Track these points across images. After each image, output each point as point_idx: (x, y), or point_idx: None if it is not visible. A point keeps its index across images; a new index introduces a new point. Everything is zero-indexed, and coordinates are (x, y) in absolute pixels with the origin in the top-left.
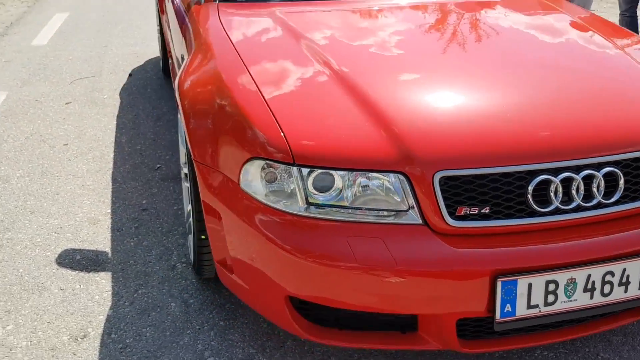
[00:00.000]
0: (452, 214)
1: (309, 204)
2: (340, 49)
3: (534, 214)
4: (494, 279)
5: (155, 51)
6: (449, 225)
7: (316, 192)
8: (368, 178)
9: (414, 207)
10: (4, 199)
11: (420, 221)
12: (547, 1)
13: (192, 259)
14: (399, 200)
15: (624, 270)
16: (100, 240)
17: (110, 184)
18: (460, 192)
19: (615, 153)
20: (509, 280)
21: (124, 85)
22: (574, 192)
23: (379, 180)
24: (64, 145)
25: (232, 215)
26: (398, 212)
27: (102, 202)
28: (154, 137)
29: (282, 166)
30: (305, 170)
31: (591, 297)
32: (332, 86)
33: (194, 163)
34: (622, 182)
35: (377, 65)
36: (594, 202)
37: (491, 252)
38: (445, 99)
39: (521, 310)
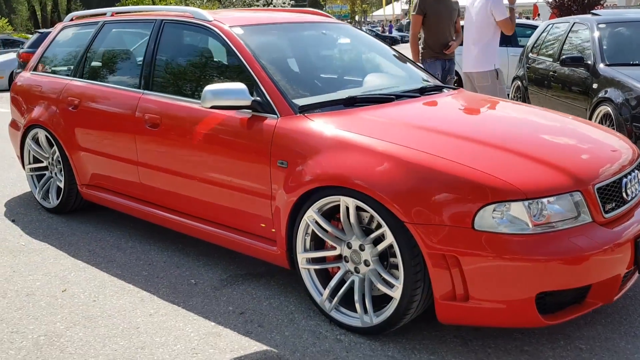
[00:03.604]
0: (604, 210)
1: (534, 225)
2: (454, 125)
3: (625, 202)
4: (635, 241)
5: None
6: (605, 218)
7: (535, 215)
8: (557, 199)
9: (585, 212)
10: None
11: (589, 220)
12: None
13: None
14: (577, 209)
15: None
16: None
17: None
18: (603, 195)
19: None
20: None
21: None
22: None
23: (565, 199)
24: None
25: (472, 251)
26: (576, 218)
27: None
28: None
29: (512, 203)
30: (528, 202)
31: None
32: (484, 146)
33: (407, 226)
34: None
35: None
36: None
37: (627, 226)
38: (574, 149)
39: None
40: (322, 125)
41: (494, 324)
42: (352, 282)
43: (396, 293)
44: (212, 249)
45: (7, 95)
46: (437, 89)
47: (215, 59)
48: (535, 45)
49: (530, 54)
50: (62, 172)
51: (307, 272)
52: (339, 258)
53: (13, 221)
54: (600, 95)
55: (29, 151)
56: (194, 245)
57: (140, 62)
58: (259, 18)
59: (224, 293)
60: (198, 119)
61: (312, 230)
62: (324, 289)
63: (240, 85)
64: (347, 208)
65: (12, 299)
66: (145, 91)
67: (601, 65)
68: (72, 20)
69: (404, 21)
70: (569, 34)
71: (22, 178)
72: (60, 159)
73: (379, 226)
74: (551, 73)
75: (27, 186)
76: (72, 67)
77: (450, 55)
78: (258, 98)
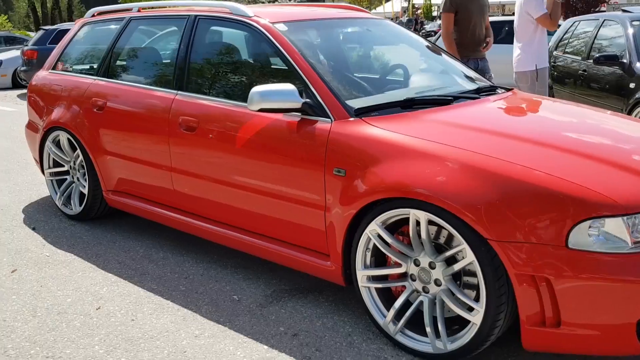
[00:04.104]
0: None
1: (634, 243)
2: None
3: None
4: None
5: None
6: None
7: (633, 231)
8: None
9: None
10: None
11: None
12: None
13: None
14: None
15: None
16: None
17: None
18: None
19: None
20: None
21: None
22: None
23: None
24: None
25: (566, 273)
26: None
27: None
28: None
29: (609, 219)
30: (627, 217)
31: None
32: (569, 154)
33: (491, 244)
34: None
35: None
36: None
37: None
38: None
39: None
40: (386, 131)
41: (586, 351)
42: (420, 303)
43: (476, 317)
44: (249, 261)
45: (11, 93)
46: (492, 90)
47: (257, 58)
48: (560, 43)
49: (554, 52)
50: (86, 177)
51: (368, 291)
52: (403, 276)
53: (34, 229)
54: (638, 95)
55: (49, 154)
56: (229, 257)
57: (173, 61)
58: (300, 13)
59: (271, 311)
60: (241, 122)
61: (374, 246)
62: (386, 309)
63: (289, 86)
64: (417, 222)
65: (43, 318)
66: (179, 92)
67: (638, 64)
68: (93, 16)
69: (404, 19)
70: (599, 32)
71: (38, 181)
72: (83, 163)
73: (449, 240)
74: (580, 72)
75: (44, 190)
76: (96, 65)
77: (483, 54)
78: (308, 100)
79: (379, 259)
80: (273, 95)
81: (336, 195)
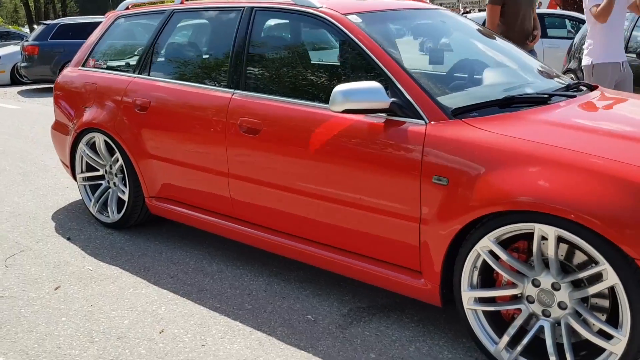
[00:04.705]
0: None
1: None
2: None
3: None
4: None
5: None
6: None
7: None
8: None
9: None
10: None
11: None
12: None
13: None
14: None
15: None
16: None
17: None
18: None
19: None
20: None
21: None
22: None
23: None
24: None
25: None
26: None
27: None
28: None
29: None
30: None
31: None
32: None
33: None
34: None
35: None
36: None
37: None
38: None
39: None
40: (494, 133)
41: None
42: (539, 328)
43: (617, 346)
44: (313, 275)
45: (11, 90)
46: (577, 87)
47: (328, 54)
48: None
49: (584, 47)
50: (126, 182)
51: (474, 314)
52: (514, 298)
53: (69, 239)
54: None
55: (82, 158)
56: (290, 269)
57: (227, 58)
58: (371, 5)
59: (354, 334)
60: (314, 124)
61: (482, 264)
62: (496, 334)
63: (375, 85)
64: (540, 238)
65: (103, 344)
66: (237, 91)
67: None
68: (127, 8)
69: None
70: (636, 25)
71: (62, 185)
72: (123, 167)
73: (569, 256)
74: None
75: (70, 195)
76: (134, 62)
77: (531, 47)
78: (396, 99)
79: (485, 279)
80: (358, 95)
81: (435, 207)
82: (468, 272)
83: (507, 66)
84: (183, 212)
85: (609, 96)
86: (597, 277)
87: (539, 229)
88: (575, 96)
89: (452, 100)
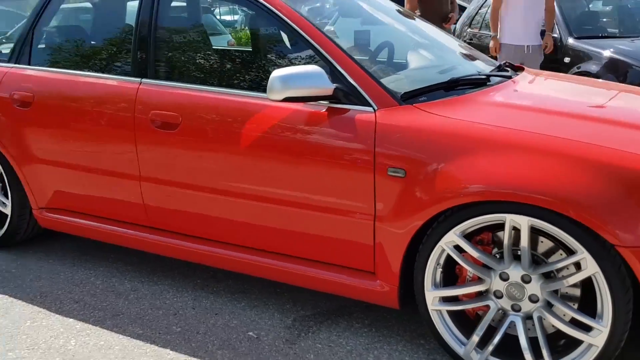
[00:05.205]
0: None
1: None
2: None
3: None
4: None
5: None
6: None
7: None
8: None
9: None
10: None
11: None
12: None
13: None
14: None
15: None
16: None
17: None
18: None
19: None
20: None
21: None
22: None
23: None
24: None
25: None
26: None
27: None
28: None
29: None
30: None
31: None
32: None
33: (619, 251)
34: None
35: None
36: None
37: None
38: None
39: None
40: (452, 119)
41: None
42: (511, 324)
43: (598, 338)
44: (245, 284)
45: None
46: (506, 68)
47: (257, 35)
48: (474, 20)
49: (468, 29)
50: (6, 192)
51: (439, 315)
52: (479, 294)
53: None
54: (574, 70)
55: None
56: (219, 280)
57: (130, 41)
58: None
59: (305, 348)
60: (246, 115)
61: (445, 261)
62: (463, 335)
63: (316, 69)
64: (511, 229)
65: None
66: (145, 80)
67: (570, 40)
68: None
69: None
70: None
71: None
72: (3, 174)
73: (551, 250)
74: None
75: None
76: (9, 49)
77: (448, 29)
78: (339, 85)
79: (447, 277)
80: (298, 81)
81: (391, 202)
82: (431, 271)
83: (435, 48)
84: (83, 223)
85: (542, 75)
86: (571, 267)
87: (510, 219)
88: (511, 77)
89: (396, 84)
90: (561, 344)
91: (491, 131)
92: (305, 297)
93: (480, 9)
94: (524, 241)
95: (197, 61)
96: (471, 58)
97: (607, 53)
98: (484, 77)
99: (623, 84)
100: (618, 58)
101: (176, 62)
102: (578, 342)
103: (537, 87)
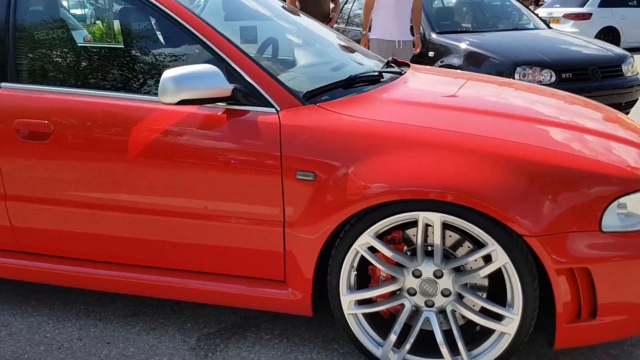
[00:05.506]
0: None
1: None
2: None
3: None
4: None
5: None
6: None
7: None
8: None
9: None
10: None
11: None
12: None
13: None
14: None
15: None
16: None
17: None
18: None
19: None
20: None
21: None
22: None
23: None
24: None
25: (603, 260)
26: None
27: None
28: None
29: (632, 195)
30: None
31: None
32: (563, 129)
33: (527, 240)
34: None
35: None
36: None
37: None
38: None
39: None
40: (360, 118)
41: (614, 338)
42: (425, 321)
43: (510, 326)
44: (138, 305)
45: None
46: (394, 64)
47: (140, 32)
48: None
49: (336, 25)
50: None
51: (356, 319)
52: (393, 294)
53: None
54: (438, 64)
55: None
56: (105, 304)
57: None
58: None
59: None
60: (132, 120)
61: (359, 263)
62: (379, 336)
63: (211, 68)
64: (424, 227)
65: None
66: (4, 84)
67: (433, 35)
68: None
69: None
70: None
71: None
72: None
73: (458, 243)
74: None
75: None
76: None
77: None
78: (238, 85)
79: (359, 279)
80: (193, 81)
81: (301, 206)
82: (346, 274)
83: (322, 44)
84: None
85: (428, 71)
86: (480, 259)
87: (423, 217)
88: (402, 73)
89: (293, 83)
90: (475, 335)
91: (399, 129)
92: (207, 312)
93: (345, 4)
94: (437, 238)
95: (69, 61)
96: (358, 54)
97: (464, 46)
98: (378, 74)
99: (503, 78)
100: (475, 51)
101: (44, 62)
102: (490, 332)
103: (428, 83)
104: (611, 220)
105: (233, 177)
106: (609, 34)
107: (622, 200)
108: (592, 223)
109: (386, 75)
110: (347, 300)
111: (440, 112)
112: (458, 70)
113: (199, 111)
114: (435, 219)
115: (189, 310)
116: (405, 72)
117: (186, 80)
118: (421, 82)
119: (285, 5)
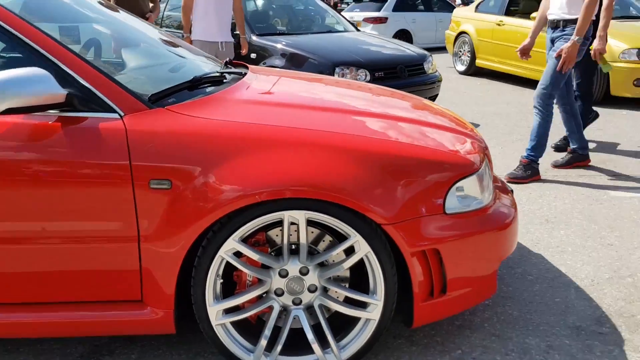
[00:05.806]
0: None
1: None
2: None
3: None
4: None
5: None
6: None
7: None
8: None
9: None
10: None
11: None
12: None
13: None
14: None
15: None
16: None
17: None
18: None
19: None
20: None
21: None
22: None
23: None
24: None
25: (449, 239)
26: None
27: None
28: None
29: (468, 178)
30: (478, 175)
31: None
32: (400, 122)
33: (386, 229)
34: None
35: None
36: None
37: None
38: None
39: None
40: (214, 120)
41: (461, 310)
42: (294, 319)
43: (374, 312)
44: None
45: None
46: (232, 65)
47: None
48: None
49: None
50: None
51: (224, 328)
52: (260, 298)
53: None
54: (261, 64)
55: None
56: None
57: None
58: None
59: None
60: None
61: (224, 270)
62: (249, 342)
63: (40, 71)
64: (289, 225)
65: None
66: None
67: (253, 37)
68: None
69: None
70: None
71: None
72: None
73: (319, 237)
74: None
75: None
76: None
77: None
78: (72, 90)
79: (225, 286)
80: (20, 87)
81: (157, 218)
82: (212, 284)
83: (152, 44)
84: None
85: (265, 72)
86: (341, 252)
87: (288, 216)
88: (243, 74)
89: (134, 85)
90: (343, 325)
91: (255, 130)
92: (48, 347)
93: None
94: (302, 236)
95: None
96: (192, 54)
97: (285, 48)
98: (221, 75)
99: (337, 77)
100: (295, 52)
101: None
102: (356, 320)
103: (270, 83)
104: (452, 202)
105: (73, 192)
106: (404, 36)
107: (459, 183)
108: (438, 207)
109: (230, 76)
110: (215, 310)
111: (291, 111)
112: (292, 70)
113: (27, 120)
114: (300, 216)
115: (26, 347)
116: (246, 73)
117: (10, 86)
118: (265, 82)
119: (102, 2)
